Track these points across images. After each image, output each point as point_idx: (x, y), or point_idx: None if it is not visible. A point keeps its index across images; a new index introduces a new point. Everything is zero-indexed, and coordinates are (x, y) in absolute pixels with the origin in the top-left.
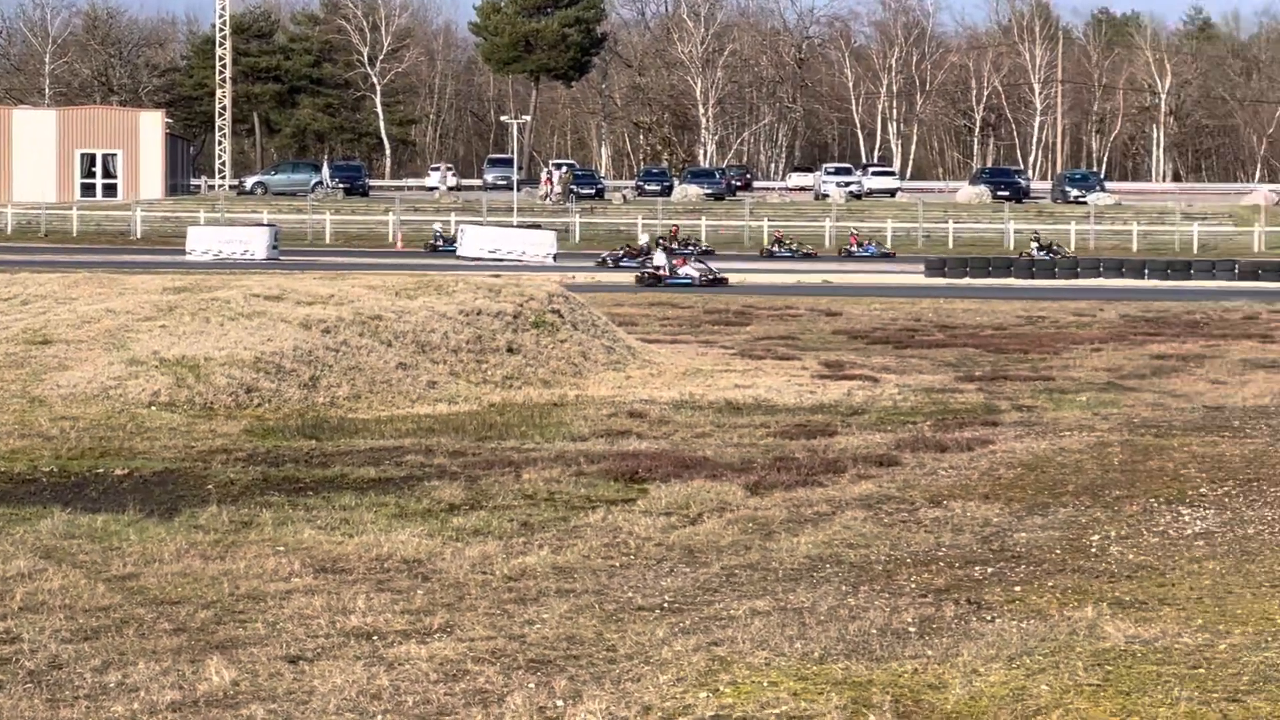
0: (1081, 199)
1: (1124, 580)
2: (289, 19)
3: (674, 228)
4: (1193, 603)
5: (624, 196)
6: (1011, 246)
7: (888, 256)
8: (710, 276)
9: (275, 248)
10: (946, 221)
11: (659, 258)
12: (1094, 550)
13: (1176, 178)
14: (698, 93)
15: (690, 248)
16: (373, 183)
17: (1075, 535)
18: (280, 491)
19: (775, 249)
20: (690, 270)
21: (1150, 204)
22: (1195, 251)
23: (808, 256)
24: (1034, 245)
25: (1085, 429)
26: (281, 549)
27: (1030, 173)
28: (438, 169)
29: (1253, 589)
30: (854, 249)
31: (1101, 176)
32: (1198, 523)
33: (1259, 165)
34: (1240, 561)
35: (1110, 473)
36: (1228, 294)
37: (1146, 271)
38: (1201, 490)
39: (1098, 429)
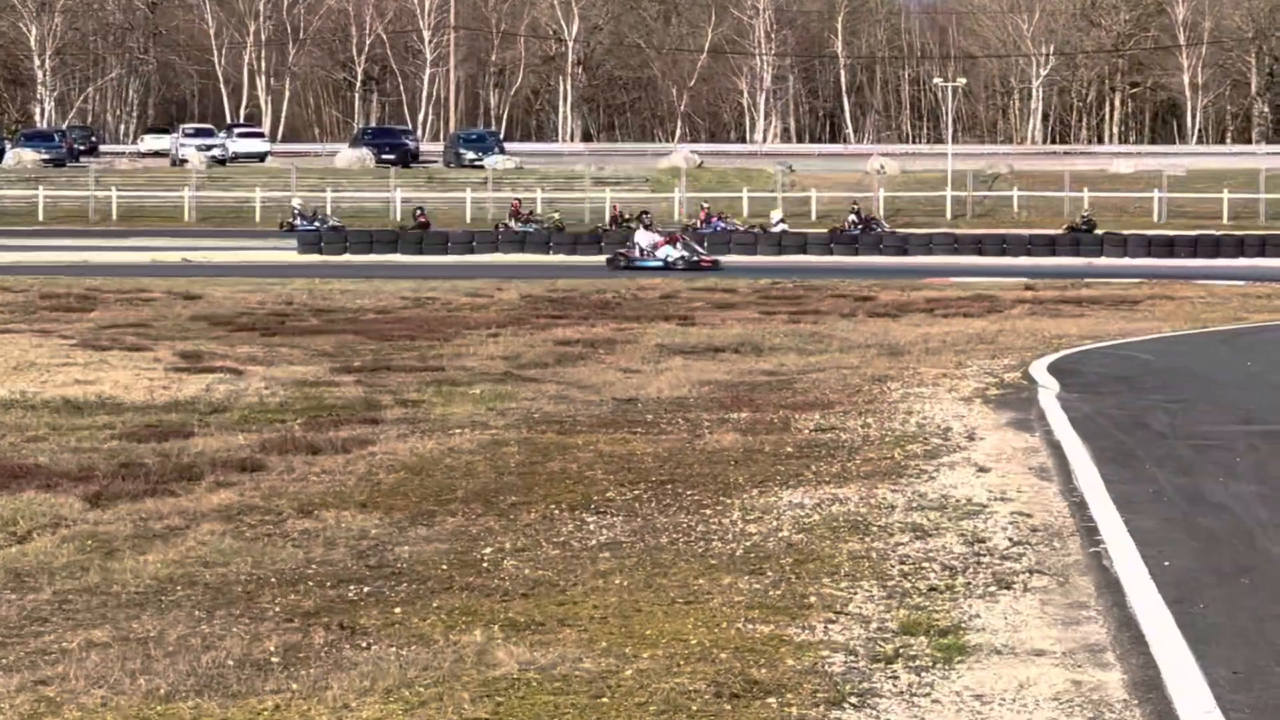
0: (478, 162)
1: (519, 598)
2: None
3: (515, 201)
4: (597, 623)
5: None
6: (398, 217)
7: (732, 232)
8: (695, 259)
9: None
10: (325, 190)
11: (640, 236)
12: (486, 565)
13: (587, 137)
14: (32, 41)
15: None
16: None
17: (464, 548)
18: None
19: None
20: (669, 250)
21: (558, 168)
22: (607, 222)
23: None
24: (851, 218)
25: (478, 426)
26: None
27: (421, 133)
28: None
29: (664, 605)
30: (701, 226)
31: (500, 136)
32: (604, 531)
33: (679, 123)
34: (651, 575)
35: (506, 476)
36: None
37: (551, 246)
38: (609, 494)
39: (493, 426)
